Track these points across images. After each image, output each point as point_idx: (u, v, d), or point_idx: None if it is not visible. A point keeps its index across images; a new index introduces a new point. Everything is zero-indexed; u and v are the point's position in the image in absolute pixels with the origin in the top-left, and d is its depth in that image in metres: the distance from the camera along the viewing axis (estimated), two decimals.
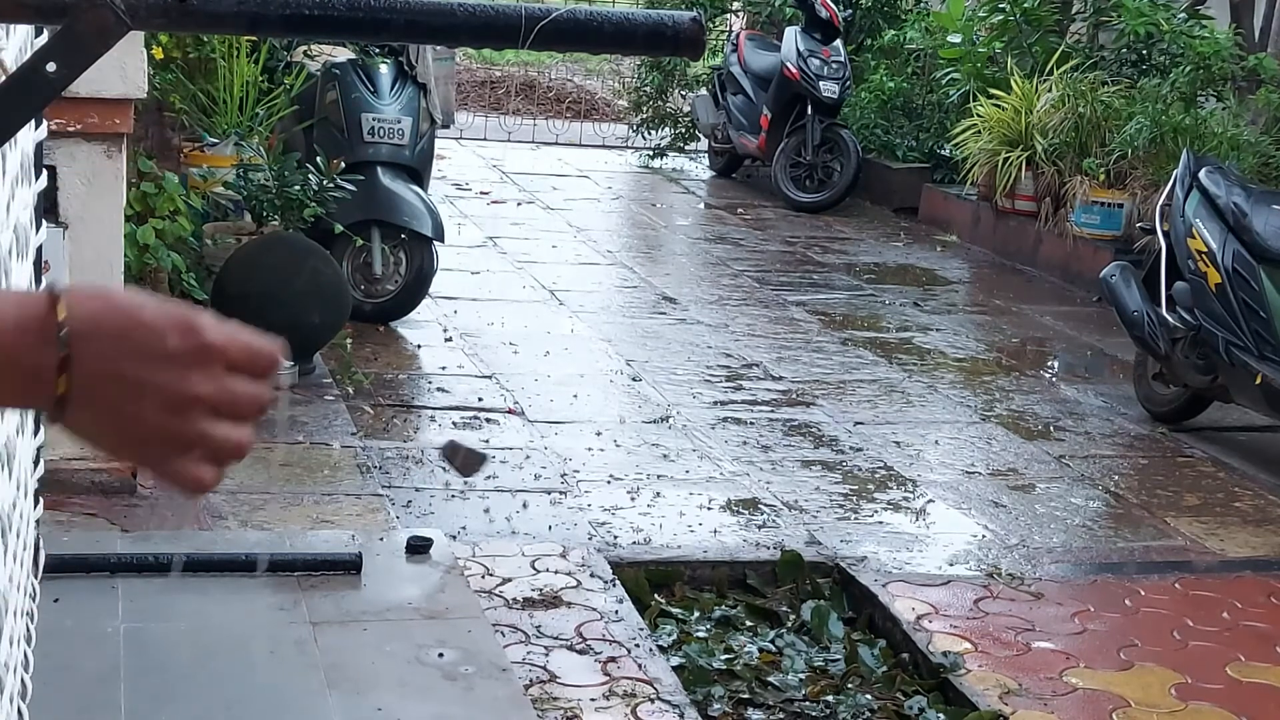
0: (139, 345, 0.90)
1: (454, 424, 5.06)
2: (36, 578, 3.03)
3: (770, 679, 3.59)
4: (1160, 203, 5.91)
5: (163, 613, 3.37)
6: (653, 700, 3.28)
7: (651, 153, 11.34)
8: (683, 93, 11.79)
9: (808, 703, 3.50)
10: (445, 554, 3.86)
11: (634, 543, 4.19)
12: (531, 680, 3.32)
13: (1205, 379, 5.47)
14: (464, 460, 3.01)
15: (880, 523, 4.53)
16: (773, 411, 5.53)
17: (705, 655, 3.64)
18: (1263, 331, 5.16)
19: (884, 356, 6.45)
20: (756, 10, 11.66)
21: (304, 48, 6.33)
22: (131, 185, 4.61)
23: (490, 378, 5.61)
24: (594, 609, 3.71)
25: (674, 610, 3.89)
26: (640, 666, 3.44)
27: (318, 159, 5.60)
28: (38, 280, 2.35)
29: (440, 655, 3.31)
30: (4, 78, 1.19)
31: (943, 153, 10.05)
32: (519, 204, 9.36)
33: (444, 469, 4.57)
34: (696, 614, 3.89)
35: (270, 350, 0.95)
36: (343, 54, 6.21)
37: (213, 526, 3.96)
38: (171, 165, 5.33)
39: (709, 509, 4.50)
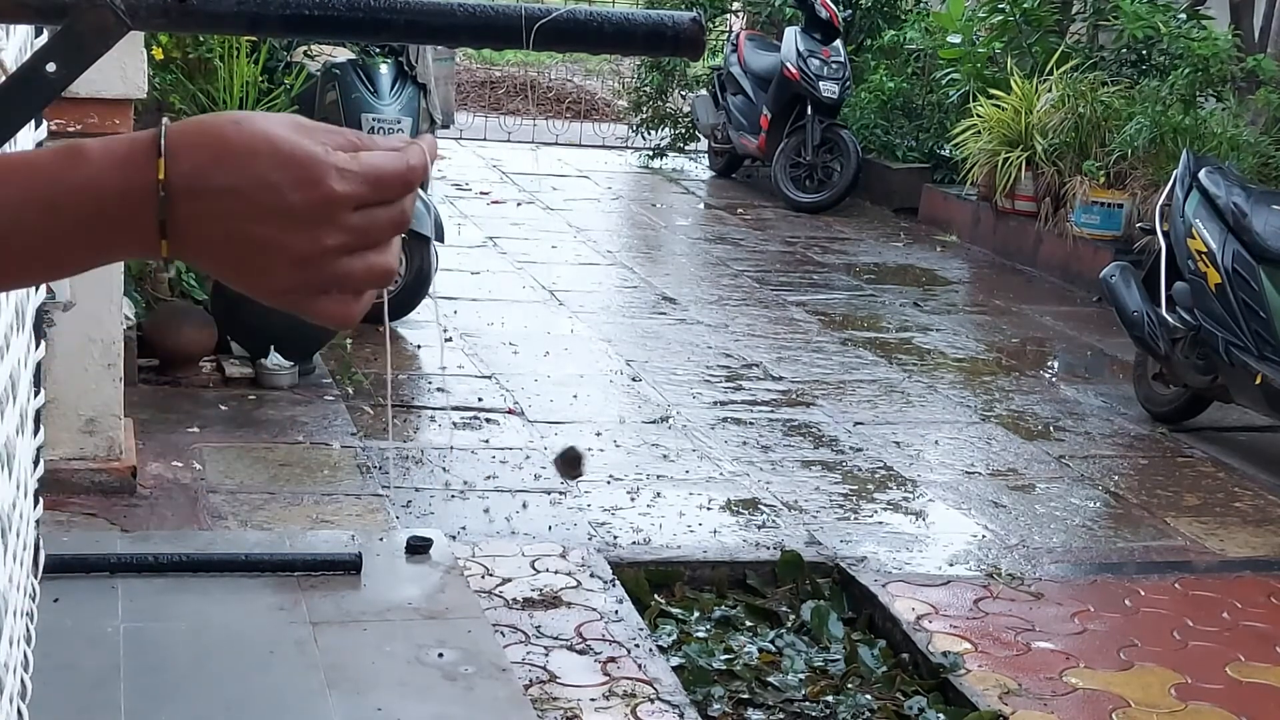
0: (253, 204, 0.82)
1: (454, 424, 5.06)
2: (36, 578, 3.03)
3: (770, 679, 3.59)
4: (1160, 203, 5.91)
5: (163, 613, 3.37)
6: (653, 700, 3.28)
7: (651, 153, 11.34)
8: (683, 93, 11.80)
9: (808, 703, 3.50)
10: (445, 554, 3.86)
11: (634, 543, 4.19)
12: (531, 680, 3.32)
13: (1205, 379, 5.47)
14: (566, 465, 3.03)
15: (880, 523, 4.53)
16: (773, 412, 5.53)
17: (705, 655, 3.64)
18: (1263, 331, 5.16)
19: (884, 357, 6.45)
20: (756, 10, 11.66)
21: (304, 48, 6.33)
22: None
23: (490, 378, 5.61)
24: (594, 609, 3.71)
25: (674, 610, 3.89)
26: (640, 666, 3.44)
27: None
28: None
29: (440, 655, 3.31)
30: (4, 78, 1.19)
31: (943, 153, 10.04)
32: (519, 204, 9.36)
33: (444, 470, 4.58)
34: (696, 614, 3.89)
35: (405, 167, 0.87)
36: (343, 54, 6.21)
37: (212, 526, 3.96)
38: None
39: (709, 509, 4.50)
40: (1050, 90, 8.56)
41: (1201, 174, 5.54)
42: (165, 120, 0.85)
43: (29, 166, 0.84)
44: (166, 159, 0.82)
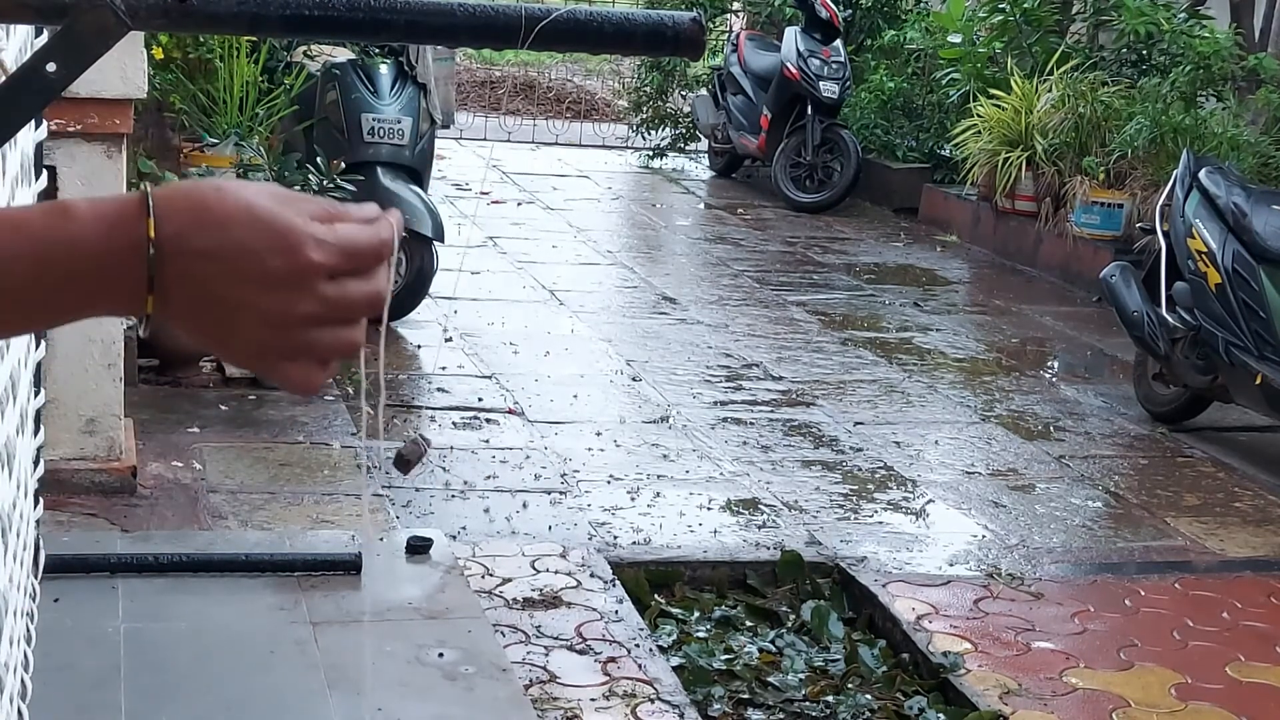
0: (236, 269, 0.85)
1: (454, 424, 5.06)
2: (36, 578, 3.03)
3: (770, 679, 3.59)
4: (1160, 203, 5.91)
5: (163, 613, 3.37)
6: (653, 700, 3.28)
7: (651, 153, 11.34)
8: (683, 93, 11.80)
9: (808, 703, 3.50)
10: (445, 554, 3.86)
11: (634, 543, 4.19)
12: (531, 680, 3.32)
13: (1205, 379, 5.47)
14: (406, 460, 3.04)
15: (880, 523, 4.53)
16: (773, 411, 5.53)
17: (705, 655, 3.64)
18: (1263, 331, 5.16)
19: (884, 356, 6.45)
20: (756, 10, 11.66)
21: (304, 48, 6.32)
22: (131, 185, 4.61)
23: (490, 378, 5.61)
24: (594, 609, 3.71)
25: (674, 610, 3.89)
26: (640, 666, 3.44)
27: (318, 159, 5.60)
28: None
29: (440, 655, 3.31)
30: (4, 78, 1.19)
31: (943, 153, 10.04)
32: (519, 204, 9.36)
33: (444, 470, 4.58)
34: (696, 614, 3.89)
35: (378, 241, 0.89)
36: (343, 54, 6.20)
37: (213, 526, 3.96)
38: (171, 165, 5.33)
39: (709, 509, 4.50)
40: (1050, 90, 8.56)
41: (1202, 174, 5.54)
42: (147, 185, 0.88)
43: (17, 222, 0.86)
44: (155, 219, 0.84)
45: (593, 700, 3.27)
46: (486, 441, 4.90)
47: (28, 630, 2.62)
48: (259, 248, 0.85)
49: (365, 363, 1.04)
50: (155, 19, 1.26)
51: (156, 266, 0.84)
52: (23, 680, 2.40)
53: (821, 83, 9.77)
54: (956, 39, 9.99)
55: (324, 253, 0.86)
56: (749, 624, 3.87)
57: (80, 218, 0.85)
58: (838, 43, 10.03)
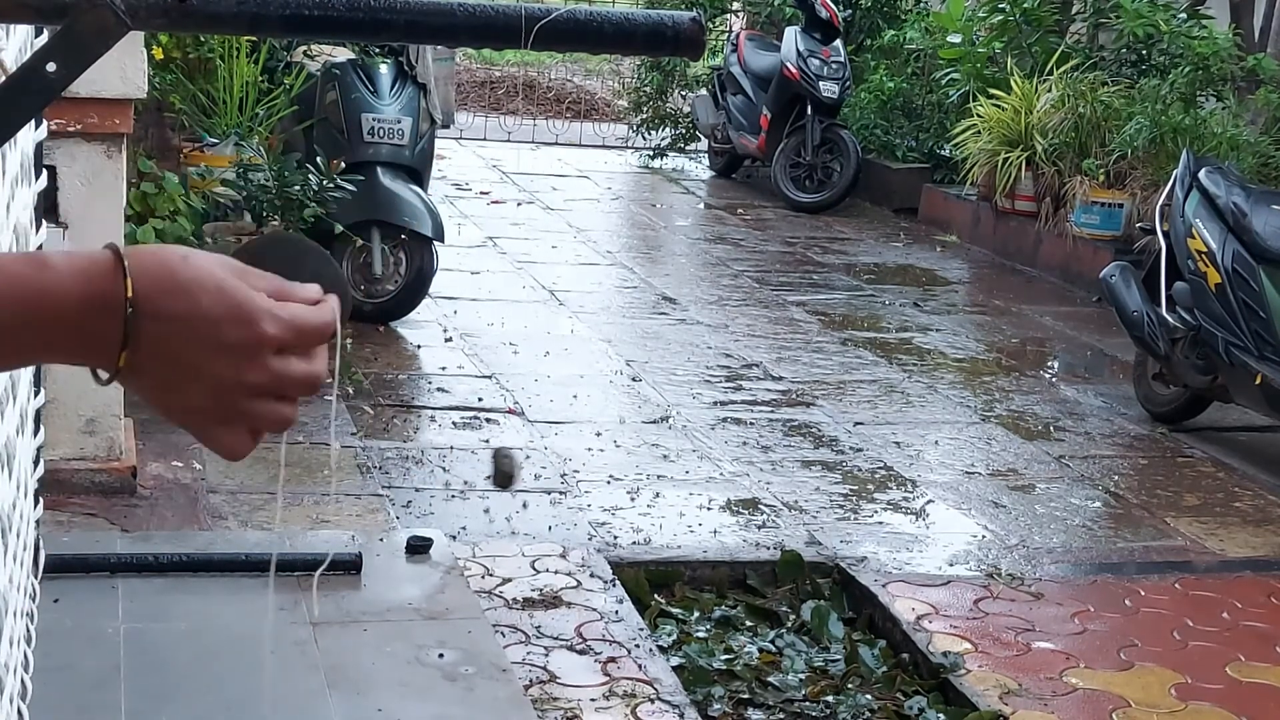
0: (196, 334, 0.90)
1: (454, 424, 5.06)
2: (36, 578, 3.03)
3: (770, 679, 3.59)
4: (1160, 203, 5.91)
5: (163, 613, 3.37)
6: (653, 700, 3.28)
7: (651, 153, 11.34)
8: (683, 93, 11.80)
9: (808, 703, 3.50)
10: (445, 554, 3.86)
11: (634, 543, 4.19)
12: (531, 680, 3.32)
13: (1205, 379, 5.47)
14: (503, 472, 3.05)
15: (880, 523, 4.53)
16: (773, 412, 5.53)
17: (705, 655, 3.64)
18: (1263, 331, 5.16)
19: (884, 357, 6.45)
20: (756, 10, 11.66)
21: (304, 48, 6.33)
22: (131, 185, 4.61)
23: (490, 378, 5.61)
24: (594, 609, 3.71)
25: (674, 610, 3.89)
26: (640, 666, 3.44)
27: (318, 159, 5.60)
28: None
29: (440, 656, 3.31)
30: (4, 78, 1.19)
31: (943, 153, 10.04)
32: (519, 204, 9.36)
33: (444, 470, 4.57)
34: (696, 614, 3.89)
35: (322, 323, 0.96)
36: (343, 54, 6.20)
37: (213, 526, 3.96)
38: (171, 165, 5.33)
39: (709, 509, 4.50)
40: (1050, 90, 8.56)
41: (1201, 174, 5.54)
42: (117, 245, 0.92)
43: None
44: (132, 277, 0.89)
45: (593, 700, 3.27)
46: (486, 441, 4.90)
47: (28, 630, 2.62)
48: (219, 316, 0.91)
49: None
50: (155, 19, 1.26)
51: (134, 324, 0.90)
52: (23, 680, 2.40)
53: (821, 83, 9.77)
54: (956, 39, 9.99)
55: (277, 327, 0.93)
56: (749, 624, 3.87)
57: (57, 269, 0.90)
58: (838, 43, 10.03)
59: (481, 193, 9.57)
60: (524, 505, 4.38)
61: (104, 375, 0.93)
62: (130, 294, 0.89)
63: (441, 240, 5.99)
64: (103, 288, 0.89)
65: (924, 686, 3.61)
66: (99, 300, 0.89)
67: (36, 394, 2.77)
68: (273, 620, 3.42)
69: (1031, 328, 7.29)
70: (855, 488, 4.80)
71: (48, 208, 3.32)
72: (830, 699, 3.52)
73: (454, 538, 4.04)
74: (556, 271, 7.51)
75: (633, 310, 6.94)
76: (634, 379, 5.79)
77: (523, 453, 4.82)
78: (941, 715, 3.49)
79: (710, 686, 3.51)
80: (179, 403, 0.94)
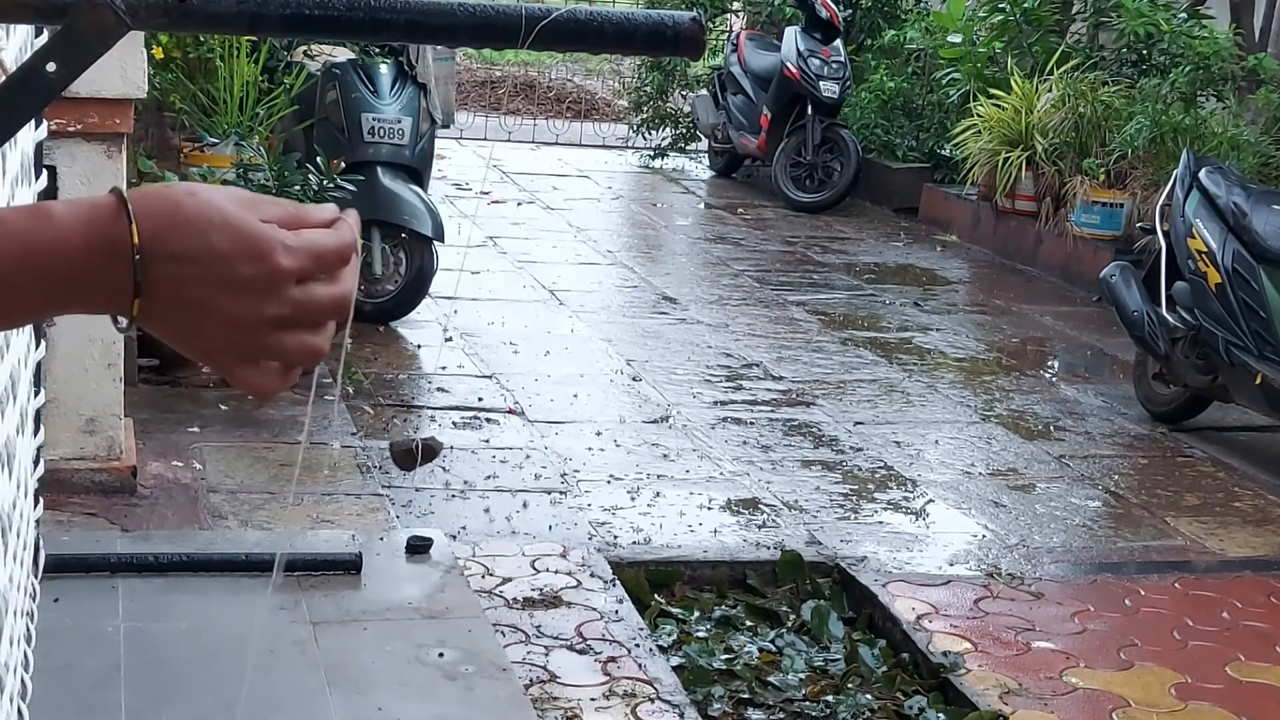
0: (210, 273, 0.87)
1: (454, 424, 5.06)
2: (36, 578, 3.03)
3: (770, 679, 3.59)
4: (1160, 203, 5.91)
5: (163, 613, 3.37)
6: (653, 700, 3.29)
7: (652, 153, 11.34)
8: (683, 93, 11.79)
9: (808, 703, 3.50)
10: (445, 554, 3.86)
11: (634, 543, 4.19)
12: (531, 680, 3.32)
13: (1205, 379, 5.47)
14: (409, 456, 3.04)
15: (880, 523, 4.53)
16: (773, 411, 5.53)
17: (705, 655, 3.64)
18: (1263, 331, 5.16)
19: (884, 356, 6.45)
20: (756, 10, 11.66)
21: (304, 48, 6.32)
22: (131, 185, 4.61)
23: (490, 378, 5.61)
24: (594, 609, 3.71)
25: (674, 610, 3.89)
26: (640, 666, 3.44)
27: (318, 159, 5.60)
28: None
29: (440, 655, 3.31)
30: (4, 78, 1.19)
31: (943, 153, 10.04)
32: (519, 204, 9.36)
33: (445, 469, 4.58)
34: (696, 614, 3.89)
35: (341, 244, 0.92)
36: (343, 54, 6.20)
37: (213, 526, 3.96)
38: (171, 165, 5.33)
39: (709, 509, 4.50)
40: (1050, 90, 8.56)
41: (1202, 174, 5.54)
42: (122, 188, 0.88)
43: None
44: (134, 222, 0.86)
45: (593, 700, 3.27)
46: (486, 441, 4.90)
47: (28, 630, 2.62)
48: (231, 253, 0.87)
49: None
50: (155, 19, 1.26)
51: (142, 272, 0.86)
52: (23, 680, 2.40)
53: (821, 82, 9.77)
54: (956, 39, 9.99)
55: (292, 258, 0.88)
56: (749, 624, 3.87)
57: (60, 219, 0.87)
58: (838, 43, 10.03)
59: (481, 192, 9.56)
60: (524, 505, 4.38)
61: (123, 322, 0.89)
62: (136, 239, 0.86)
63: (441, 240, 5.99)
64: (108, 233, 0.86)
65: (924, 686, 3.62)
66: (105, 247, 0.86)
67: (36, 394, 2.77)
68: (291, 619, 3.42)
69: (1032, 327, 7.29)
70: (855, 487, 4.80)
71: None
72: (830, 699, 3.52)
73: (454, 537, 4.04)
74: (557, 271, 7.51)
75: (633, 310, 6.94)
76: (634, 378, 5.79)
77: (523, 453, 4.82)
78: (941, 715, 3.49)
79: (710, 686, 3.51)
80: (200, 345, 0.90)
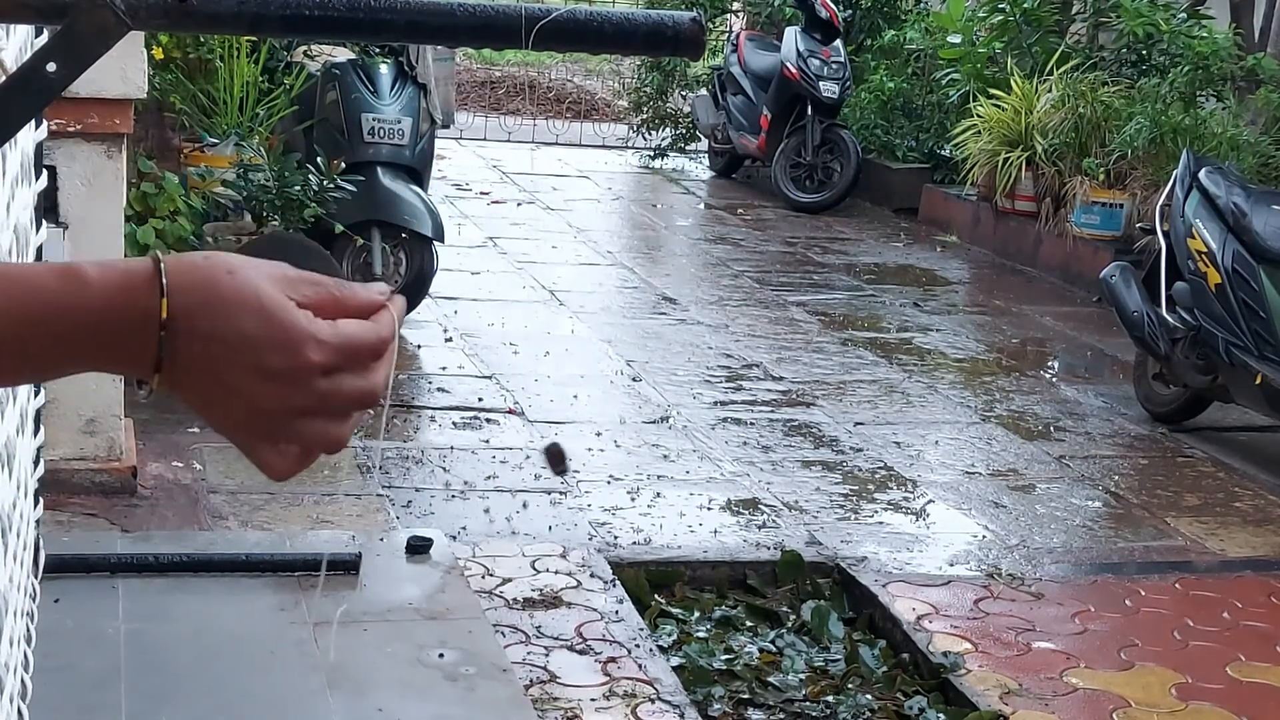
0: (236, 357, 0.86)
1: (454, 424, 5.06)
2: (36, 578, 3.03)
3: (770, 679, 3.59)
4: (1160, 203, 5.91)
5: (163, 613, 3.37)
6: (653, 700, 3.28)
7: (652, 153, 11.34)
8: (683, 93, 11.79)
9: (808, 703, 3.50)
10: (445, 554, 3.86)
11: (634, 543, 4.19)
12: (532, 680, 3.32)
13: (1205, 379, 5.47)
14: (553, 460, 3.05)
15: (880, 523, 4.53)
16: (773, 412, 5.53)
17: (705, 655, 3.64)
18: (1263, 331, 5.16)
19: (884, 357, 6.45)
20: (756, 10, 11.66)
21: (304, 48, 6.32)
22: (131, 185, 4.61)
23: (490, 378, 5.61)
24: (594, 609, 3.71)
25: (674, 610, 3.89)
26: (640, 666, 3.44)
27: (318, 159, 5.60)
28: None
29: (441, 656, 3.31)
30: (4, 78, 1.19)
31: (943, 153, 10.04)
32: (519, 204, 9.36)
33: (445, 470, 4.58)
34: (696, 614, 3.89)
35: (378, 339, 0.90)
36: (343, 54, 6.20)
37: (213, 526, 3.96)
38: (171, 165, 5.33)
39: (709, 509, 4.50)
40: (1050, 90, 8.56)
41: (1201, 174, 5.54)
42: (159, 255, 0.88)
43: (26, 282, 0.87)
44: (168, 297, 0.85)
45: (593, 700, 3.27)
46: (486, 441, 4.90)
47: (28, 630, 2.62)
48: (260, 341, 0.86)
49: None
50: (155, 19, 1.26)
51: (168, 345, 0.86)
52: (23, 680, 2.40)
53: (821, 83, 9.77)
54: (956, 39, 9.99)
55: (323, 353, 0.87)
56: (749, 624, 3.87)
57: (90, 283, 0.86)
58: (838, 43, 10.02)
59: (482, 193, 9.57)
60: (524, 505, 4.38)
61: (145, 389, 0.89)
62: (165, 314, 0.85)
63: (441, 240, 5.99)
64: (137, 304, 0.85)
65: (924, 686, 3.61)
66: (133, 318, 0.85)
67: (36, 394, 2.77)
68: (316, 621, 3.42)
69: (1031, 328, 7.29)
70: (855, 488, 4.80)
71: (48, 208, 3.32)
72: (830, 699, 3.52)
73: (454, 538, 4.04)
74: (557, 271, 7.51)
75: (633, 310, 6.93)
76: (634, 379, 5.79)
77: (523, 453, 4.82)
78: (941, 715, 3.49)
79: (710, 686, 3.51)
80: (220, 420, 0.89)
